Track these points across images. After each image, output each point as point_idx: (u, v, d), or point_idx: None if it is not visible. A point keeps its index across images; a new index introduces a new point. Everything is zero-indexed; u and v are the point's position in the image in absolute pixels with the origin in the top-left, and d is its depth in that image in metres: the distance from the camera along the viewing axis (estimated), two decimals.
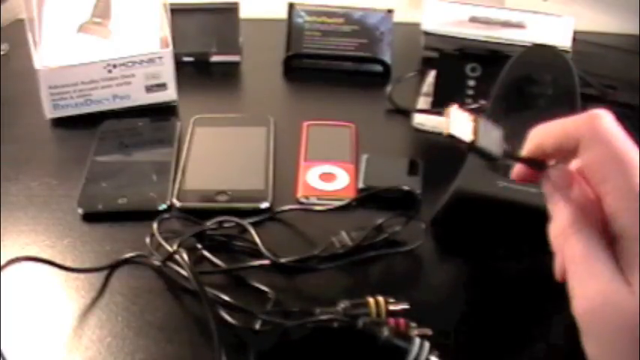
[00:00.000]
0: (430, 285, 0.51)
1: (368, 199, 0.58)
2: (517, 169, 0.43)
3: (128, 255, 0.52)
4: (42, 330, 0.47)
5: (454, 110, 0.42)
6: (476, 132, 0.42)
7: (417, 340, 0.43)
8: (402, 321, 0.44)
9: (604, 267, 0.34)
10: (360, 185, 0.59)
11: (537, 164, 0.41)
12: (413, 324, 0.44)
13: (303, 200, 0.58)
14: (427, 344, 0.43)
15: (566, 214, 0.37)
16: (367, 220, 0.55)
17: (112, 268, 0.51)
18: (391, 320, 0.44)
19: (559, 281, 0.36)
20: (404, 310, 0.46)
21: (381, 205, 0.57)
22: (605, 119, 0.37)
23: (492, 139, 0.43)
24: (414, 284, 0.51)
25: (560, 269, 0.36)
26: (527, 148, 0.41)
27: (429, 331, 0.44)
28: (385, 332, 0.43)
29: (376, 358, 0.43)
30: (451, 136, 0.43)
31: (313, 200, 0.58)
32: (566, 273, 0.35)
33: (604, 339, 0.33)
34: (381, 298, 0.46)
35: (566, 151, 0.38)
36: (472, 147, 0.42)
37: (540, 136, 0.41)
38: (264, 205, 0.57)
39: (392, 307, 0.46)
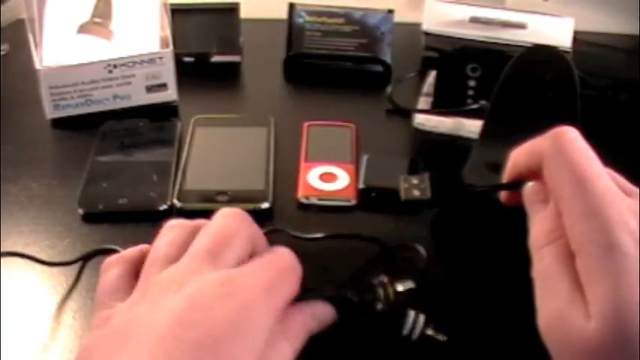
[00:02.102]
0: (429, 285, 0.51)
1: (367, 198, 0.58)
2: (502, 196, 0.44)
3: None
4: (41, 331, 0.47)
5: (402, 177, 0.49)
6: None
7: (412, 313, 0.42)
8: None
9: (564, 286, 0.34)
10: (360, 185, 0.59)
11: (512, 186, 0.42)
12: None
13: (304, 201, 0.58)
14: (422, 317, 0.42)
15: (538, 228, 0.37)
16: (368, 220, 0.55)
17: None
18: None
19: None
20: (411, 290, 0.45)
21: (381, 205, 0.57)
22: (567, 136, 0.36)
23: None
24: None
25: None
26: (507, 170, 0.42)
27: (411, 284, 0.43)
28: (379, 306, 0.42)
29: (371, 329, 0.43)
30: (407, 201, 0.49)
31: (314, 201, 0.58)
32: (534, 286, 0.36)
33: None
34: (385, 279, 0.45)
35: (537, 170, 0.38)
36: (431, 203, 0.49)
37: (514, 156, 0.41)
38: (265, 205, 0.57)
39: (400, 289, 0.45)
